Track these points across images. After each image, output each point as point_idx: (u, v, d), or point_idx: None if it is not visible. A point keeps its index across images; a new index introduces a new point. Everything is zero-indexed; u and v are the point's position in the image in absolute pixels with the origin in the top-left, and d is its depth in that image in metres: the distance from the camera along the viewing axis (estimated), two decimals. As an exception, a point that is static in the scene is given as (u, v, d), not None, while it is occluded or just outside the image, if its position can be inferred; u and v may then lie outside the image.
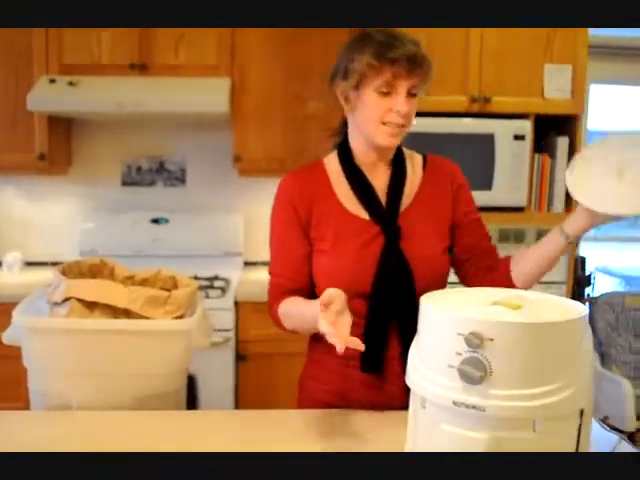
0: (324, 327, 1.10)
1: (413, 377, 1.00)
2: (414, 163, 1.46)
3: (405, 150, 1.46)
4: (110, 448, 1.16)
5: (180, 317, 1.44)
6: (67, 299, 1.36)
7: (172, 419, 1.32)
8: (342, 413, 1.34)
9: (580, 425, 0.95)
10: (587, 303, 3.04)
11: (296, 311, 1.35)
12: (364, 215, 1.38)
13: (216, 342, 2.52)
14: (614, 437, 1.27)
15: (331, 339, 1.08)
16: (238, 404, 2.63)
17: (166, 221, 3.06)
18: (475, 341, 0.90)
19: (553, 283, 2.63)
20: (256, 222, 3.08)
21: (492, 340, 0.90)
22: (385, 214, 1.37)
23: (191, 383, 2.54)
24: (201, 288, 2.74)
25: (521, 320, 0.93)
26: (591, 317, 2.84)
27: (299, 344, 1.53)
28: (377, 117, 1.30)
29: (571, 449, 0.95)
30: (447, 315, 0.95)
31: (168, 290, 1.50)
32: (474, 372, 0.90)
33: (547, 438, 0.92)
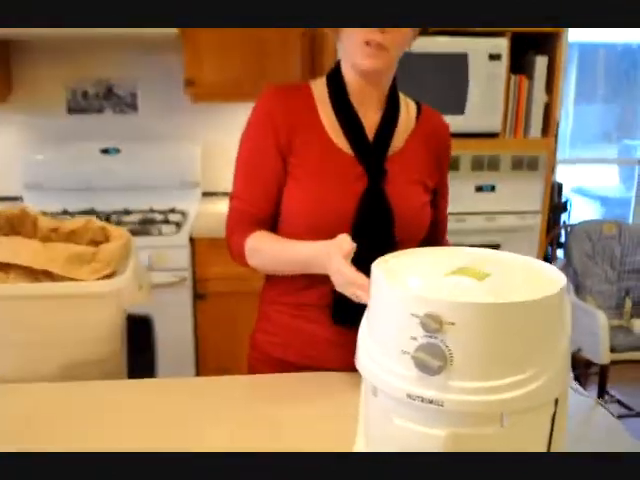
0: (360, 279, 1.04)
1: (363, 360, 0.86)
2: (409, 109, 1.31)
3: (401, 94, 1.31)
4: (37, 423, 1.05)
5: (110, 275, 1.28)
6: (-26, 260, 1.19)
7: (104, 389, 1.19)
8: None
9: (554, 414, 0.82)
10: (563, 231, 2.93)
11: (278, 250, 1.23)
12: (348, 150, 1.23)
13: (172, 282, 2.38)
14: (589, 402, 1.17)
15: (361, 291, 1.02)
16: (198, 345, 2.51)
17: (117, 151, 2.83)
18: (432, 325, 0.75)
19: (528, 212, 2.49)
20: (213, 150, 2.88)
21: (453, 324, 0.75)
22: (372, 153, 1.23)
23: (147, 325, 2.42)
24: (155, 223, 2.58)
25: (487, 299, 0.77)
26: (567, 246, 2.73)
27: (261, 283, 1.38)
28: (359, 36, 1.14)
29: (544, 441, 0.83)
30: (399, 292, 0.80)
31: (98, 243, 1.34)
32: (431, 361, 0.76)
33: (515, 433, 0.79)
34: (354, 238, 1.14)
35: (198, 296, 2.47)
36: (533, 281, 0.84)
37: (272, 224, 1.27)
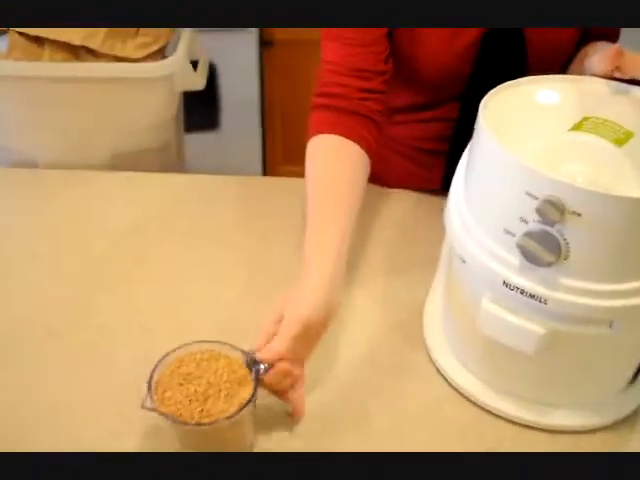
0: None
1: (452, 221, 0.71)
2: None
3: None
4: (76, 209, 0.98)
5: (161, 50, 1.09)
6: (4, 32, 1.01)
7: (155, 182, 1.07)
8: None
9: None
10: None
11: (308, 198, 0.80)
12: None
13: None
14: None
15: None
16: (264, 97, 2.35)
17: None
18: (552, 215, 0.59)
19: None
20: None
21: (579, 215, 0.58)
22: None
23: (211, 73, 2.24)
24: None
25: (629, 189, 0.59)
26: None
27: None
28: None
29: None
30: (511, 160, 0.61)
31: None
32: (542, 253, 0.60)
33: (625, 334, 0.67)
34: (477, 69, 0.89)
35: (265, 43, 2.24)
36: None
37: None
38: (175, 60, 1.06)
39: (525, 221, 0.61)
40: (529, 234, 0.60)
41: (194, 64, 1.15)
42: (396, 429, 0.72)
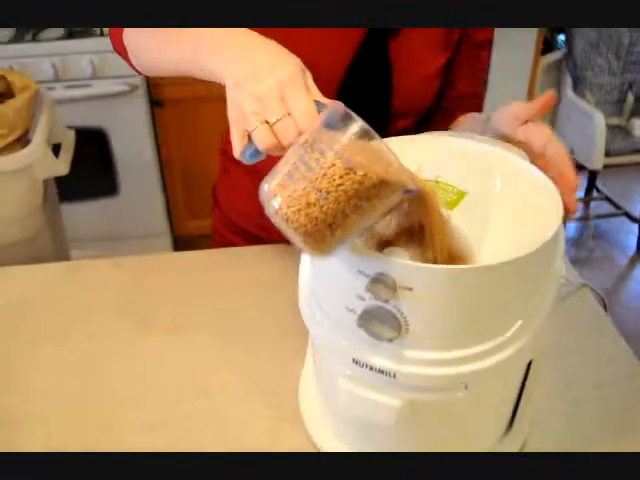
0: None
1: (302, 293, 0.70)
2: None
3: None
4: None
5: (17, 141, 1.06)
6: None
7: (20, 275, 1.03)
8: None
9: (527, 374, 0.69)
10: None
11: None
12: None
13: (122, 90, 2.12)
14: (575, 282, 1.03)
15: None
16: (160, 157, 2.32)
17: None
18: (383, 293, 0.59)
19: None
20: None
21: (410, 289, 0.58)
22: None
23: (102, 139, 2.21)
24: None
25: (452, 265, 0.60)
26: (569, 37, 2.40)
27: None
28: None
29: (512, 398, 0.71)
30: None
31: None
32: (382, 329, 0.60)
33: (484, 393, 0.67)
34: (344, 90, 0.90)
35: (155, 103, 2.22)
36: (521, 210, 0.65)
37: None
38: (33, 150, 1.03)
39: (362, 298, 0.61)
40: (367, 311, 0.60)
41: (58, 147, 1.12)
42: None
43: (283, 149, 0.60)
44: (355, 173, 0.51)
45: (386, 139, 0.73)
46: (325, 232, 0.53)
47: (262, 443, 0.77)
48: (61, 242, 1.20)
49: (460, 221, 0.63)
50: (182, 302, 0.96)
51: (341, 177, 0.51)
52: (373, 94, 0.94)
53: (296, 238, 0.54)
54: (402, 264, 0.57)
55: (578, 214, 2.74)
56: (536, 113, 0.77)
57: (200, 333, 0.91)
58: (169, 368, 0.87)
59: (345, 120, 0.54)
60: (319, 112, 0.60)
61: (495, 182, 0.68)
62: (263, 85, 0.61)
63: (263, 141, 0.60)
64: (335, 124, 0.54)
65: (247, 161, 0.63)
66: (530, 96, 2.37)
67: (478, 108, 1.03)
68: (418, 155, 0.69)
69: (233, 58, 0.65)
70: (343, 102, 0.92)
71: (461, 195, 0.68)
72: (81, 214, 2.24)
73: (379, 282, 0.58)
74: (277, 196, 0.53)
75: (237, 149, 0.63)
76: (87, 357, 0.88)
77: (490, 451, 0.75)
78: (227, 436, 0.78)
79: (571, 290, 1.00)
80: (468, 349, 0.61)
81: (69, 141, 1.14)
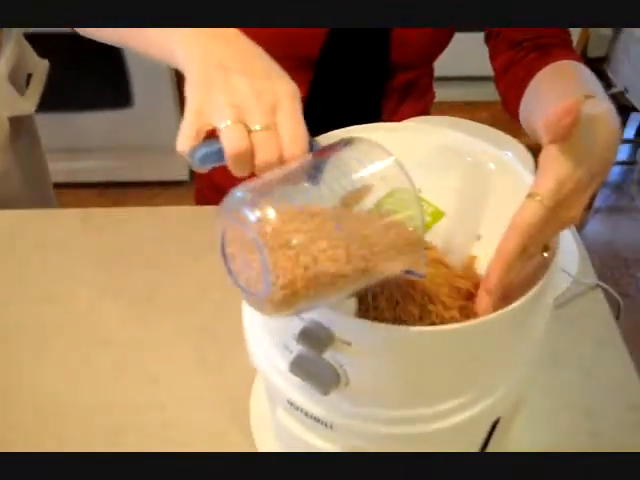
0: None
1: (247, 323, 0.61)
2: None
3: None
4: None
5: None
6: None
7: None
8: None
9: (491, 430, 0.59)
10: None
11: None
12: None
13: None
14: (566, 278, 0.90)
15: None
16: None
17: None
18: (317, 346, 0.49)
19: None
20: None
21: (349, 344, 0.49)
22: None
23: (116, 49, 2.07)
24: None
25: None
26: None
27: None
28: None
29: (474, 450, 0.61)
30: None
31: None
32: (317, 380, 0.51)
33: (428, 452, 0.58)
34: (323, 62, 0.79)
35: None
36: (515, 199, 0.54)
37: None
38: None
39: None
40: (300, 358, 0.51)
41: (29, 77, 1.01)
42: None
43: (249, 168, 0.47)
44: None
45: (368, 125, 0.62)
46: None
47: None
48: (38, 183, 1.12)
49: (455, 222, 0.53)
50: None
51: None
52: (368, 43, 0.83)
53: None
54: (340, 317, 0.47)
55: (624, 157, 2.54)
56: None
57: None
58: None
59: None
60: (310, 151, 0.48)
61: (487, 177, 0.57)
62: (255, 82, 0.48)
63: (236, 144, 0.45)
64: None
65: (196, 163, 0.49)
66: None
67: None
68: (401, 149, 0.57)
69: (220, 41, 0.51)
70: (334, 53, 0.80)
71: (438, 215, 0.56)
72: (93, 123, 2.15)
73: (311, 332, 0.48)
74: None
75: (185, 143, 0.48)
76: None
77: None
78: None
79: (579, 292, 0.88)
80: (413, 410, 0.52)
81: (41, 73, 1.02)
